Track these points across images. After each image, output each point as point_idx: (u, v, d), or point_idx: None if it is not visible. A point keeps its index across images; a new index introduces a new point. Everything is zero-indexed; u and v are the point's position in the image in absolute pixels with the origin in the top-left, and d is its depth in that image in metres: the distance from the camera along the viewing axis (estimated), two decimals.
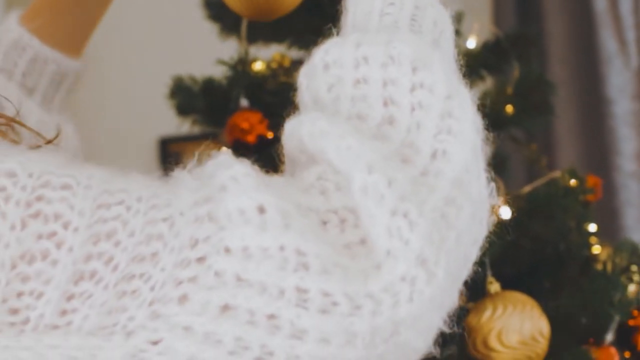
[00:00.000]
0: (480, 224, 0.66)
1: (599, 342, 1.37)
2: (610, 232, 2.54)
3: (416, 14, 0.71)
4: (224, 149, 1.40)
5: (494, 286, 1.28)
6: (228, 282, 0.58)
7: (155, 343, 0.58)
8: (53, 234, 0.57)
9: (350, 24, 0.71)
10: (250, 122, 1.35)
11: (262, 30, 1.60)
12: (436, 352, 0.65)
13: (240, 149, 1.35)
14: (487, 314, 1.25)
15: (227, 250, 0.58)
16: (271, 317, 0.58)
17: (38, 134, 0.70)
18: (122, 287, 0.58)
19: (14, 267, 0.57)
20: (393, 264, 0.59)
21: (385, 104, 0.66)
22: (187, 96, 1.54)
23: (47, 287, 0.57)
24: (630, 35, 2.58)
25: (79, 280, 0.57)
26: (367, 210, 0.60)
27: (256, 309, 0.58)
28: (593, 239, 1.53)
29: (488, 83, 1.59)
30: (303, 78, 0.70)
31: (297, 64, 1.51)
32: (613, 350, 1.37)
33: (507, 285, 1.34)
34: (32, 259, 0.57)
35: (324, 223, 0.61)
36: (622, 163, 2.55)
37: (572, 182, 1.45)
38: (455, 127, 0.64)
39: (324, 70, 0.68)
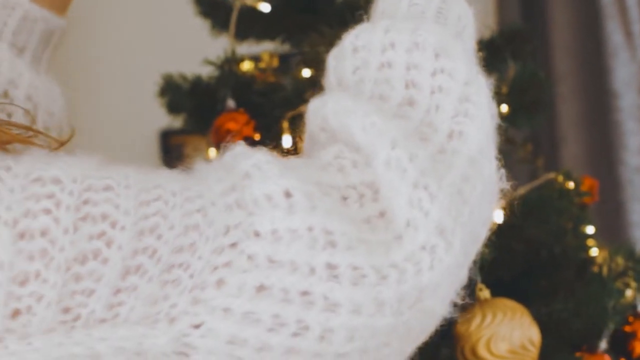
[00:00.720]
0: (489, 205, 0.70)
1: (592, 349, 1.34)
2: (615, 228, 2.51)
3: (442, 7, 0.75)
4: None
5: (484, 293, 1.25)
6: (261, 264, 0.62)
7: (197, 327, 0.61)
8: (102, 233, 0.60)
9: (380, 12, 0.76)
10: (236, 124, 1.32)
11: (254, 27, 1.57)
12: (455, 315, 0.69)
13: None
14: (476, 321, 1.22)
15: (257, 234, 0.62)
16: (305, 293, 0.62)
17: (50, 137, 0.71)
18: (164, 277, 0.61)
19: (68, 269, 0.59)
20: (413, 234, 0.64)
21: (407, 86, 0.70)
22: (177, 94, 1.51)
23: (99, 284, 0.60)
24: (637, 27, 2.53)
25: (126, 275, 0.60)
26: (390, 182, 0.65)
27: (290, 286, 0.62)
28: (591, 242, 1.50)
29: None
30: (332, 60, 0.74)
31: (287, 60, 1.49)
32: (607, 357, 1.34)
33: (499, 288, 1.31)
34: (84, 259, 0.59)
35: (344, 199, 0.65)
36: (628, 157, 2.51)
37: (568, 183, 1.41)
38: (472, 110, 0.69)
39: (352, 54, 0.73)
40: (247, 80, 1.36)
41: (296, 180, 0.63)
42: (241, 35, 1.59)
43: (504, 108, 1.48)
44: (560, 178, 1.42)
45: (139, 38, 2.76)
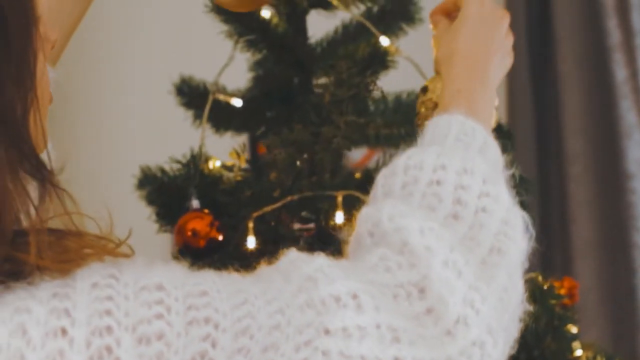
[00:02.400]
0: (517, 323, 0.77)
1: None
2: (628, 314, 2.45)
3: (483, 148, 0.84)
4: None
5: None
6: (335, 359, 0.68)
7: None
8: (208, 336, 0.65)
9: (428, 141, 0.84)
10: (201, 224, 1.30)
11: (231, 120, 1.56)
12: None
13: (189, 252, 1.30)
14: None
15: (327, 331, 0.69)
16: None
17: (113, 240, 0.73)
18: None
19: None
20: (464, 330, 0.71)
21: (454, 203, 0.79)
22: (154, 187, 1.50)
23: None
24: None
25: None
26: (446, 281, 0.72)
27: None
28: (575, 343, 1.45)
29: None
30: (381, 177, 0.82)
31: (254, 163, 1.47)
32: None
33: None
34: None
35: (395, 297, 0.72)
36: None
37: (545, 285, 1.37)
38: (511, 233, 0.78)
39: (403, 171, 0.81)
40: (214, 179, 1.34)
41: (359, 282, 0.71)
42: (221, 126, 1.58)
43: None
44: (540, 279, 1.38)
45: (147, 123, 2.76)
